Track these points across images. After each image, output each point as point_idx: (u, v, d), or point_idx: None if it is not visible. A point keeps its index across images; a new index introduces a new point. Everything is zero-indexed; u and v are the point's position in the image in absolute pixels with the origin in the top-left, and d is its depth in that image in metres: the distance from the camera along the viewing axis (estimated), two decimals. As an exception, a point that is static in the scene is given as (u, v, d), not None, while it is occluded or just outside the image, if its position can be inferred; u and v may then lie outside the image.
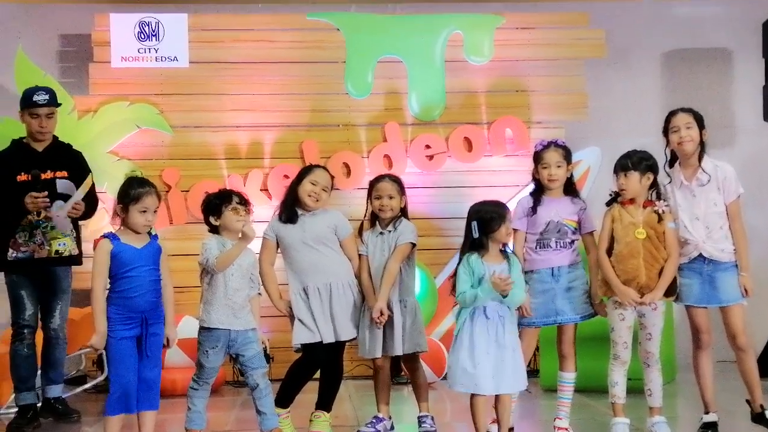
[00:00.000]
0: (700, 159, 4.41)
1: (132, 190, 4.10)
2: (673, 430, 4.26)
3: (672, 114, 4.48)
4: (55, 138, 5.18)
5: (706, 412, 4.43)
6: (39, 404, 5.05)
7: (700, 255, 4.35)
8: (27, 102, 5.05)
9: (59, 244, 4.85)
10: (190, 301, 5.37)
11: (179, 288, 5.76)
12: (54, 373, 5.12)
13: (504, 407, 4.16)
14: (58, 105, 5.19)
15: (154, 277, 4.10)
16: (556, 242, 4.41)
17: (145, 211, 4.06)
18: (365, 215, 4.75)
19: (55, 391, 5.13)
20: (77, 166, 5.11)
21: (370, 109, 7.09)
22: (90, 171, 5.17)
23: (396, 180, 4.76)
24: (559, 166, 4.44)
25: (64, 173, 4.97)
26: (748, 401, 4.46)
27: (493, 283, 3.97)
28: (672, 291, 4.32)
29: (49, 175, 4.91)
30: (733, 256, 4.34)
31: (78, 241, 5.05)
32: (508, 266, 4.16)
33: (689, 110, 4.46)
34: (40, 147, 5.07)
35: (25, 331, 4.85)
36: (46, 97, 5.04)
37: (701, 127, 4.42)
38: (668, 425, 4.26)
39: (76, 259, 5.06)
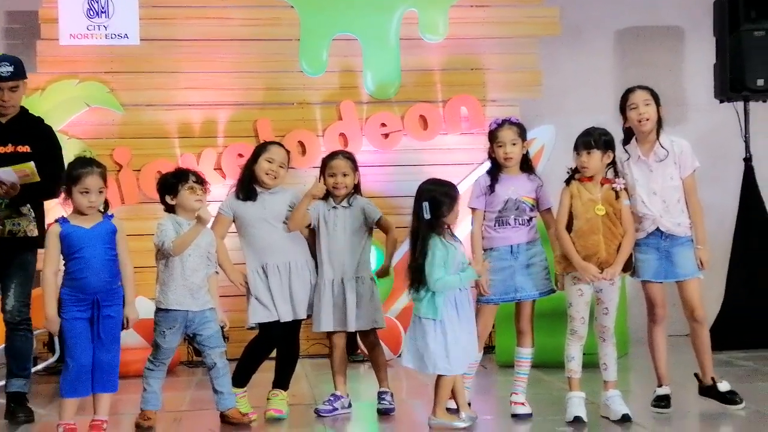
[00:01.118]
0: (657, 135, 4.46)
1: (74, 171, 4.08)
2: (627, 404, 4.30)
3: (630, 91, 4.50)
4: (23, 110, 4.95)
5: (659, 385, 4.50)
6: None
7: (657, 229, 4.41)
8: None
9: (13, 224, 4.65)
10: (144, 282, 5.32)
11: (135, 267, 5.77)
12: (14, 363, 4.81)
13: (458, 382, 4.24)
14: (25, 77, 4.95)
15: (107, 257, 4.09)
16: (515, 219, 4.44)
17: (87, 192, 4.03)
18: (318, 193, 4.67)
19: (16, 385, 4.76)
20: (43, 141, 4.86)
21: (325, 87, 7.09)
22: (59, 147, 4.99)
23: (349, 157, 4.76)
24: (514, 144, 4.46)
25: (26, 147, 4.74)
26: (696, 375, 4.54)
27: (480, 286, 4.20)
28: (628, 266, 4.38)
29: (9, 149, 4.72)
30: (689, 231, 4.40)
31: (39, 222, 4.79)
32: (458, 245, 4.22)
33: (646, 88, 4.49)
34: (3, 119, 4.82)
35: None
36: (10, 69, 4.77)
37: (658, 104, 4.46)
38: (622, 399, 4.31)
39: (35, 241, 4.76)
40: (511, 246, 4.41)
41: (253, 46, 7.01)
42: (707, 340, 4.51)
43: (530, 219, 4.47)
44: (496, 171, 4.51)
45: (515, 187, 4.46)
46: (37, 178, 4.54)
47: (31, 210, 4.74)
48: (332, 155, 4.77)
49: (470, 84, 7.14)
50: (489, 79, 7.16)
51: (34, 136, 4.83)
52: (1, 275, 4.77)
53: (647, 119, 4.41)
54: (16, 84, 4.78)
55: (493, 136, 4.51)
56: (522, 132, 4.53)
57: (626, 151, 4.51)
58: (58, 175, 4.60)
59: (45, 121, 5.08)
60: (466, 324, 4.17)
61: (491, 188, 4.45)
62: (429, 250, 4.12)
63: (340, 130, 6.97)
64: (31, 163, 4.55)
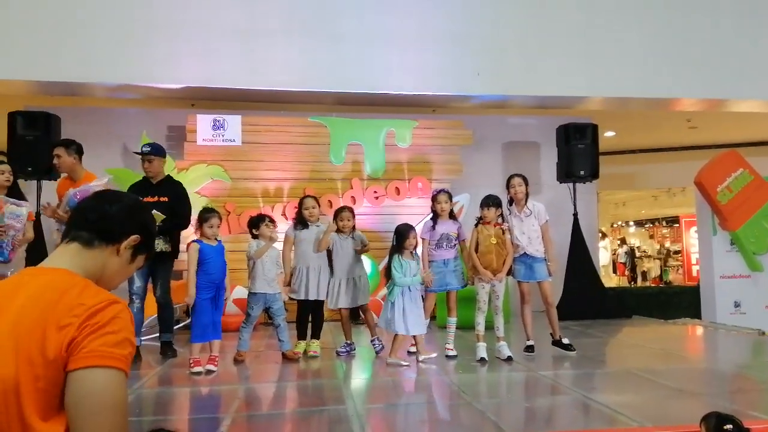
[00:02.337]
0: (526, 201, 4.48)
1: (204, 214, 4.09)
2: (510, 350, 4.28)
3: (511, 177, 4.56)
4: (168, 176, 4.77)
5: (527, 340, 4.48)
6: (140, 345, 4.48)
7: (525, 253, 4.41)
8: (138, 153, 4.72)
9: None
10: (241, 277, 5.26)
11: (234, 269, 5.70)
12: (163, 325, 4.66)
13: (419, 338, 4.20)
14: (159, 154, 4.65)
15: (221, 263, 4.08)
16: (446, 245, 4.44)
17: (211, 227, 4.04)
18: (333, 229, 4.63)
19: (165, 337, 4.64)
20: (177, 195, 4.63)
21: (343, 170, 7.07)
22: (187, 197, 4.71)
23: (350, 210, 4.75)
24: (446, 203, 4.48)
25: (166, 198, 4.54)
26: (550, 334, 4.52)
27: (424, 278, 4.24)
28: (509, 272, 4.38)
29: (155, 198, 4.50)
30: (543, 254, 4.42)
31: (172, 243, 4.58)
32: (416, 261, 4.24)
33: (520, 175, 4.53)
34: (154, 181, 4.65)
35: (134, 297, 4.40)
36: (148, 148, 4.64)
37: (527, 184, 4.50)
38: (507, 347, 4.29)
39: (170, 254, 4.60)
40: (444, 260, 4.42)
41: (303, 147, 7.01)
42: (555, 314, 4.50)
43: (454, 245, 4.48)
44: (435, 218, 4.53)
45: (446, 227, 4.48)
46: (161, 217, 4.29)
47: (168, 237, 4.52)
48: (341, 209, 4.75)
49: (423, 170, 7.16)
50: (434, 168, 7.20)
51: (173, 191, 4.64)
52: (152, 274, 4.54)
53: (521, 193, 4.45)
54: (150, 158, 4.60)
55: (434, 199, 4.55)
56: (449, 196, 4.57)
57: (509, 210, 4.53)
58: (186, 215, 4.66)
59: (182, 184, 4.84)
60: (415, 306, 4.18)
61: (433, 227, 4.48)
62: (393, 263, 4.19)
63: (351, 194, 6.96)
64: (156, 212, 4.29)
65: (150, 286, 4.57)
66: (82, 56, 5.65)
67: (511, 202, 4.56)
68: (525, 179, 4.52)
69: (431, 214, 4.63)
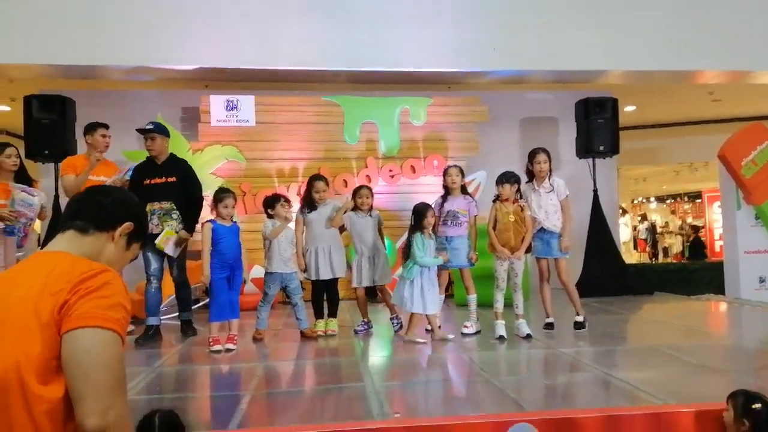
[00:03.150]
0: (549, 177, 4.39)
1: (219, 195, 4.08)
2: (529, 327, 4.23)
3: (535, 152, 4.47)
4: (172, 154, 4.61)
5: (547, 317, 4.44)
6: (159, 324, 4.47)
7: (542, 228, 4.34)
8: (139, 131, 4.60)
9: (168, 226, 4.34)
10: (258, 256, 5.26)
11: (251, 248, 5.71)
12: (181, 304, 4.66)
13: (432, 318, 4.19)
14: (161, 132, 4.52)
15: (236, 243, 4.08)
16: (451, 222, 4.40)
17: (226, 207, 4.04)
18: (349, 207, 4.62)
19: (184, 315, 4.66)
20: (185, 174, 4.51)
21: (358, 149, 7.02)
22: (195, 175, 4.59)
23: (369, 188, 4.72)
24: (456, 176, 4.43)
25: (174, 178, 4.42)
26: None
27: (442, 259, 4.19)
28: (528, 250, 4.32)
29: (163, 179, 4.40)
30: (560, 230, 4.34)
31: (187, 223, 4.45)
32: (433, 240, 4.19)
33: (545, 151, 4.44)
34: (159, 161, 4.51)
35: (152, 278, 4.37)
36: (150, 126, 4.51)
37: (550, 160, 4.40)
38: (527, 324, 4.24)
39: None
40: (447, 236, 4.37)
41: (317, 126, 6.96)
42: (574, 291, 4.44)
43: (461, 222, 4.41)
44: (447, 194, 4.47)
45: (455, 203, 4.44)
46: (174, 235, 4.33)
47: (180, 217, 4.44)
48: (360, 187, 4.72)
49: (439, 148, 7.07)
50: (449, 145, 7.11)
51: (180, 171, 4.51)
52: (166, 256, 4.45)
53: (545, 170, 4.37)
54: (153, 135, 4.46)
55: (445, 172, 4.51)
56: (461, 171, 4.50)
57: (528, 184, 4.45)
58: (198, 196, 4.58)
59: (187, 162, 4.70)
60: (432, 285, 4.15)
61: (442, 204, 4.44)
62: (414, 241, 4.10)
63: (366, 173, 6.91)
64: (172, 231, 4.35)
65: (167, 267, 4.56)
66: (96, 39, 5.63)
67: (531, 176, 4.46)
68: (549, 154, 4.42)
69: (443, 191, 4.56)
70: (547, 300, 4.44)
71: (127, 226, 1.34)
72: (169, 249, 4.35)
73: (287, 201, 4.46)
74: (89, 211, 1.30)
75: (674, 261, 14.61)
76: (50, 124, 5.82)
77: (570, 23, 6.19)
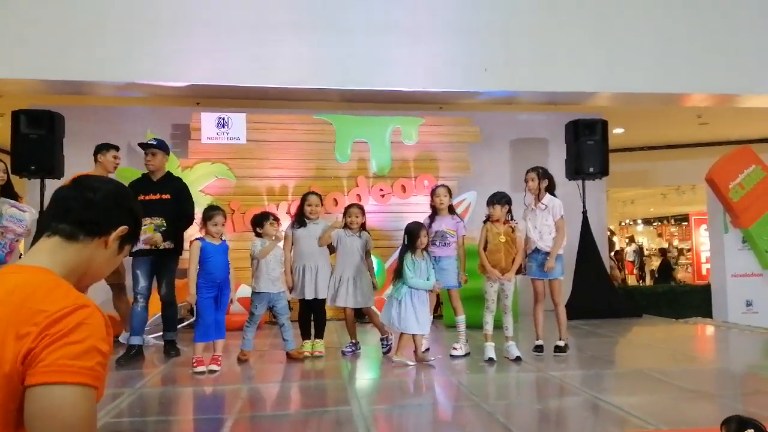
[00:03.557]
0: (539, 195, 4.38)
1: (209, 212, 4.03)
2: (518, 350, 4.18)
3: (528, 171, 4.45)
4: (168, 172, 4.61)
5: (537, 339, 4.39)
6: (142, 345, 4.40)
7: (536, 249, 4.32)
8: (140, 146, 4.61)
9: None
10: (245, 275, 5.18)
11: (239, 267, 5.63)
12: (167, 323, 4.57)
13: (418, 339, 4.14)
14: (163, 149, 4.54)
15: (224, 263, 4.01)
16: (439, 242, 4.38)
17: (216, 225, 3.98)
18: (339, 225, 4.60)
19: (168, 335, 4.57)
20: (179, 192, 4.50)
21: (349, 168, 7.00)
22: (189, 194, 4.58)
23: (360, 207, 4.67)
24: (444, 196, 4.41)
25: (167, 195, 4.41)
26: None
27: (435, 286, 4.15)
28: (519, 271, 4.29)
29: (157, 196, 4.38)
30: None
31: (176, 241, 4.43)
32: (426, 260, 4.14)
33: (534, 168, 4.45)
34: (155, 177, 4.50)
35: (139, 296, 4.31)
36: (153, 141, 4.54)
37: (541, 178, 4.39)
38: (516, 347, 4.20)
39: (174, 251, 4.46)
40: (435, 257, 4.31)
41: (308, 145, 6.94)
42: (562, 314, 4.40)
43: (449, 243, 4.38)
44: (434, 214, 4.47)
45: (443, 223, 4.43)
46: (158, 239, 4.29)
47: (170, 234, 4.39)
48: (350, 206, 4.69)
49: (430, 168, 7.07)
50: (440, 165, 7.11)
51: (174, 188, 4.50)
52: (157, 272, 4.45)
53: (533, 187, 4.37)
54: (154, 151, 4.48)
55: (433, 193, 4.50)
56: (448, 191, 4.51)
57: (525, 204, 4.46)
58: (191, 214, 4.55)
59: (183, 180, 4.69)
60: (421, 305, 4.09)
61: (430, 225, 4.41)
62: (405, 262, 4.07)
63: (357, 192, 6.88)
64: (158, 234, 4.31)
65: (155, 285, 4.49)
66: (87, 55, 5.60)
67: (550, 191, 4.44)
68: (539, 173, 4.39)
69: (431, 210, 4.53)
70: (540, 322, 4.39)
71: (122, 230, 1.18)
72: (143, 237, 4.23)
73: (276, 219, 4.40)
74: (78, 211, 1.12)
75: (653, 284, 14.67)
76: (38, 139, 5.76)
77: (561, 45, 6.26)
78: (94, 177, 1.22)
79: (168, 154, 4.67)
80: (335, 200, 6.74)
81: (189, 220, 4.55)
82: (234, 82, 5.97)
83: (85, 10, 5.62)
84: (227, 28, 5.86)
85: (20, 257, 4.04)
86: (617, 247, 14.00)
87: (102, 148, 4.63)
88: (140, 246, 4.25)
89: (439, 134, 7.13)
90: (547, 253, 4.28)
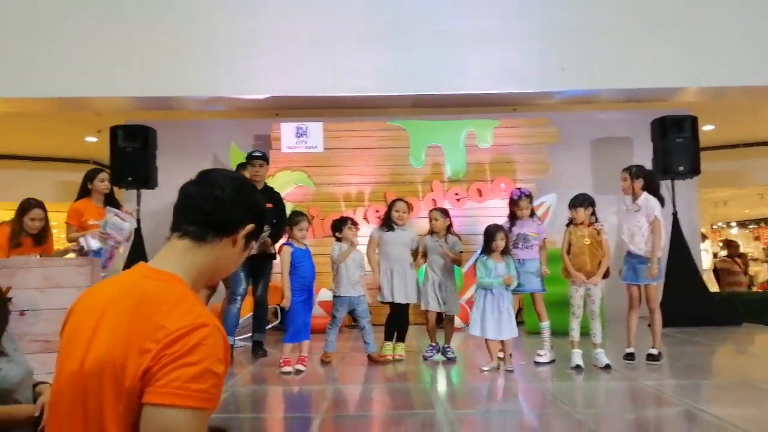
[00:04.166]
0: (634, 195, 4.20)
1: (294, 218, 4.15)
2: (607, 358, 4.02)
3: (623, 170, 4.29)
4: (265, 184, 4.95)
5: (628, 346, 4.19)
6: (234, 345, 4.62)
7: (629, 252, 4.17)
8: (248, 158, 4.85)
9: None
10: (325, 279, 5.31)
11: (319, 272, 5.76)
12: (257, 324, 4.75)
13: (506, 345, 4.03)
14: (267, 162, 4.91)
15: (312, 266, 4.16)
16: (522, 245, 4.31)
17: (301, 230, 4.10)
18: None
19: (257, 336, 4.73)
20: (278, 202, 4.79)
21: (423, 173, 7.01)
22: (284, 206, 4.91)
23: (442, 210, 4.65)
24: (526, 209, 4.38)
25: (270, 205, 4.55)
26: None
27: (504, 281, 4.00)
28: (606, 275, 4.12)
29: (268, 205, 4.72)
30: (645, 253, 4.10)
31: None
32: (505, 263, 4.06)
33: (627, 168, 4.27)
34: (258, 187, 4.81)
35: (238, 297, 4.49)
36: (259, 154, 4.86)
37: (633, 177, 4.19)
38: (604, 354, 4.04)
39: (273, 256, 4.70)
40: (519, 260, 4.24)
41: (384, 151, 7.02)
42: (658, 321, 4.18)
43: (532, 245, 4.31)
44: (514, 218, 4.41)
45: (524, 227, 4.36)
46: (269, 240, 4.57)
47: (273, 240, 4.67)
48: (432, 210, 4.69)
49: (506, 170, 6.96)
50: (517, 168, 6.98)
51: (276, 199, 4.78)
52: (254, 274, 4.64)
53: (625, 188, 4.21)
54: (262, 163, 4.78)
55: (515, 204, 4.41)
56: (530, 199, 4.43)
57: (625, 205, 4.29)
58: (285, 222, 4.68)
59: (277, 191, 5.03)
60: (496, 309, 4.01)
61: (510, 228, 4.33)
62: (477, 263, 4.12)
63: (432, 197, 6.87)
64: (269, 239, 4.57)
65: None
66: (173, 72, 5.96)
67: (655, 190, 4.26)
68: (631, 172, 4.21)
69: (510, 214, 4.47)
70: (633, 329, 4.19)
71: (250, 228, 1.17)
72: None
73: (354, 224, 4.49)
74: (208, 212, 1.12)
75: (760, 290, 13.60)
76: (134, 152, 6.19)
77: (640, 40, 5.99)
78: (220, 172, 1.21)
79: (268, 164, 4.95)
80: (410, 205, 6.73)
81: (284, 229, 4.73)
82: (310, 92, 6.15)
83: (170, 32, 5.98)
84: (301, 42, 6.04)
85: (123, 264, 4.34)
86: (741, 249, 13.14)
87: (93, 175, 4.45)
88: (253, 250, 4.47)
89: (515, 136, 7.01)
90: (640, 257, 4.09)
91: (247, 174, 4.71)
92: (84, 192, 4.45)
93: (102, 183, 4.42)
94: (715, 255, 16.28)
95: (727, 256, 10.45)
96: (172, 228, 1.15)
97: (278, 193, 4.97)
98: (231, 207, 1.14)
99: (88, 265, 4.16)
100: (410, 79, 6.07)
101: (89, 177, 4.46)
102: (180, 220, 1.14)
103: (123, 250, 4.84)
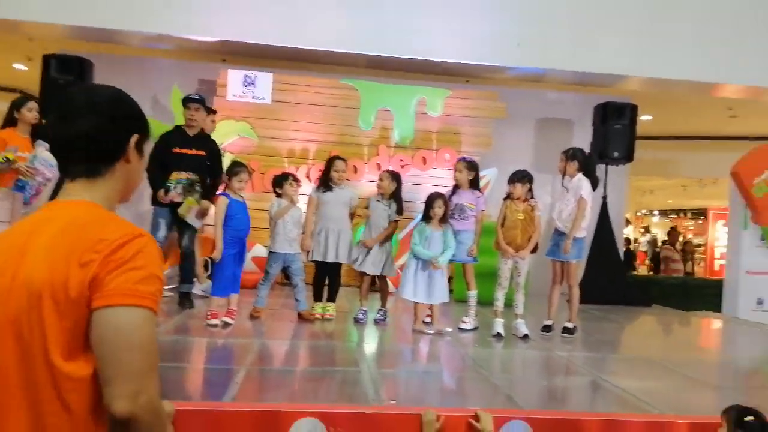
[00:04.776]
0: (564, 176, 4.35)
1: (234, 168, 4.05)
2: (527, 328, 4.20)
3: (561, 152, 4.44)
4: (201, 130, 4.71)
5: (547, 319, 4.39)
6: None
7: (555, 228, 4.32)
8: (184, 101, 4.65)
9: (190, 198, 4.45)
10: (262, 235, 5.24)
11: (255, 227, 5.67)
12: (185, 275, 4.60)
13: (435, 309, 4.14)
14: (205, 105, 4.73)
15: (247, 218, 4.07)
16: (458, 215, 4.36)
17: (240, 181, 4.01)
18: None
19: (185, 287, 4.60)
20: (212, 150, 4.65)
21: (371, 136, 6.95)
22: (221, 156, 4.78)
23: (391, 173, 4.55)
24: (460, 172, 4.41)
25: (202, 152, 4.54)
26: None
27: (432, 261, 4.05)
28: (535, 250, 4.27)
29: (193, 151, 4.50)
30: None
31: (199, 196, 4.52)
32: (443, 232, 4.12)
33: (564, 151, 4.42)
34: (191, 132, 4.59)
35: (157, 243, 4.40)
36: (197, 97, 4.66)
37: (569, 159, 4.34)
38: (525, 324, 4.21)
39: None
40: (454, 230, 4.26)
41: (333, 110, 6.89)
42: (575, 297, 4.38)
43: (467, 216, 4.37)
44: (456, 188, 4.44)
45: (463, 197, 4.42)
46: (196, 204, 4.43)
47: (201, 191, 4.51)
48: (384, 170, 4.65)
49: (452, 141, 7.01)
50: (463, 139, 7.04)
51: (209, 147, 4.65)
52: (178, 223, 4.52)
53: (560, 168, 4.34)
54: (198, 107, 4.60)
55: (454, 167, 4.46)
56: (470, 165, 4.44)
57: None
58: (220, 175, 4.57)
59: (216, 142, 4.86)
60: (427, 274, 4.09)
61: (450, 198, 4.36)
62: (415, 230, 4.16)
63: (377, 161, 6.85)
64: (193, 200, 4.43)
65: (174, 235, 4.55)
66: (119, 3, 5.58)
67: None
68: (568, 154, 4.35)
69: (454, 183, 4.51)
70: (554, 303, 4.38)
71: (135, 139, 1.14)
72: (191, 219, 4.43)
73: (296, 180, 4.42)
74: (85, 148, 1.09)
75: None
76: (66, 84, 5.79)
77: (596, 25, 6.11)
78: (75, 98, 1.12)
79: (207, 114, 4.77)
80: (355, 167, 6.72)
81: (219, 181, 4.59)
82: (263, 40, 5.92)
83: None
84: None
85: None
86: (683, 238, 13.77)
87: (20, 104, 4.21)
88: (193, 218, 4.43)
89: (465, 107, 7.04)
90: (564, 234, 4.25)
91: (21, 113, 4.18)
92: (9, 121, 4.17)
93: (30, 113, 4.14)
94: (635, 240, 17.19)
95: (669, 244, 10.84)
96: (61, 172, 1.14)
97: (214, 141, 4.78)
98: (107, 133, 1.10)
99: (8, 200, 3.94)
100: (368, 38, 5.95)
101: (16, 105, 4.17)
102: (65, 164, 1.12)
103: (50, 187, 4.58)
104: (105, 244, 0.99)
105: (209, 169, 4.57)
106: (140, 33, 5.88)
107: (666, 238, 17.51)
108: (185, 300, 4.61)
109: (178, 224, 4.53)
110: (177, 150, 4.47)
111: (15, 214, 3.93)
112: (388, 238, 4.43)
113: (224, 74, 6.64)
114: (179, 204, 4.46)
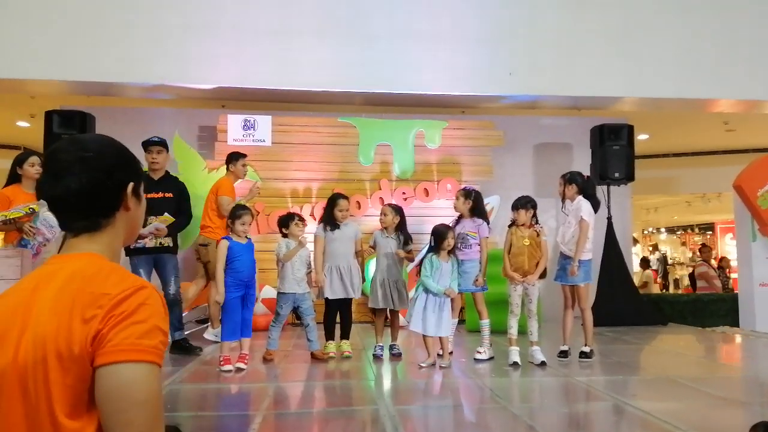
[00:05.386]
0: (564, 200, 4.38)
1: (237, 211, 4.07)
2: (543, 355, 4.17)
3: (561, 177, 4.47)
4: (167, 172, 4.68)
5: (563, 344, 4.36)
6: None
7: (561, 252, 4.31)
8: (144, 144, 4.58)
9: (160, 241, 4.40)
10: (270, 276, 5.25)
11: (263, 268, 5.70)
12: (178, 323, 4.50)
13: (443, 342, 4.12)
14: (167, 149, 4.66)
15: (251, 261, 4.06)
16: (461, 245, 4.36)
17: (243, 224, 4.03)
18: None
19: (177, 335, 4.50)
20: (180, 191, 4.61)
21: (372, 171, 7.04)
22: (188, 194, 4.68)
23: (393, 206, 4.63)
24: (457, 199, 4.47)
25: (170, 194, 4.52)
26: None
27: (446, 292, 4.06)
28: (543, 275, 4.26)
29: (160, 195, 4.47)
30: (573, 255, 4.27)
31: (174, 239, 4.54)
32: (451, 263, 4.13)
33: (563, 175, 4.46)
34: (155, 176, 4.56)
35: None
36: (156, 139, 4.60)
37: (567, 183, 4.39)
38: (541, 351, 4.18)
39: (173, 250, 4.57)
40: (459, 260, 4.27)
41: (333, 147, 7.00)
42: (588, 320, 4.36)
43: (471, 245, 4.37)
44: (459, 217, 4.49)
45: (465, 226, 4.43)
46: (172, 220, 4.31)
47: (171, 234, 4.48)
48: (385, 204, 4.70)
49: (452, 171, 7.09)
50: (463, 169, 7.12)
51: (176, 187, 4.62)
52: (159, 270, 4.48)
53: (560, 192, 4.37)
54: (160, 149, 4.58)
55: (455, 197, 4.54)
56: (467, 194, 4.47)
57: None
58: (190, 213, 4.62)
59: (181, 180, 4.77)
60: (436, 307, 4.07)
61: (453, 228, 4.37)
62: (424, 262, 4.14)
63: (380, 195, 6.91)
64: (167, 215, 4.31)
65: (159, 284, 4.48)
66: (116, 57, 5.72)
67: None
68: (566, 178, 4.41)
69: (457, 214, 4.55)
70: (568, 328, 4.36)
71: (131, 187, 1.15)
72: (152, 227, 4.25)
73: (302, 220, 4.45)
74: (83, 206, 1.09)
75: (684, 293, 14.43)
76: (69, 139, 5.88)
77: (586, 50, 6.24)
78: (62, 155, 1.11)
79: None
80: (358, 203, 6.78)
81: (190, 219, 4.60)
82: (259, 84, 6.05)
83: (114, 14, 5.75)
84: (253, 33, 5.94)
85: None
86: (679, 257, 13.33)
87: (22, 159, 4.23)
88: (142, 243, 4.33)
89: (463, 138, 7.14)
90: (570, 258, 4.27)
91: (23, 169, 4.15)
92: (13, 178, 4.21)
93: (32, 168, 4.19)
94: (665, 259, 16.86)
95: (703, 261, 9.81)
96: (62, 228, 1.14)
97: (182, 183, 4.73)
98: (102, 188, 1.11)
99: (17, 257, 3.97)
100: (362, 76, 6.06)
101: (18, 161, 4.22)
102: (64, 221, 1.13)
103: (51, 247, 4.59)
104: (107, 298, 0.99)
105: (178, 209, 4.49)
106: (138, 84, 6.01)
107: (676, 254, 17.37)
108: (186, 346, 4.51)
109: (162, 273, 4.47)
110: (144, 196, 4.40)
111: (24, 271, 3.95)
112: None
113: (224, 119, 6.77)
114: (157, 249, 4.38)
